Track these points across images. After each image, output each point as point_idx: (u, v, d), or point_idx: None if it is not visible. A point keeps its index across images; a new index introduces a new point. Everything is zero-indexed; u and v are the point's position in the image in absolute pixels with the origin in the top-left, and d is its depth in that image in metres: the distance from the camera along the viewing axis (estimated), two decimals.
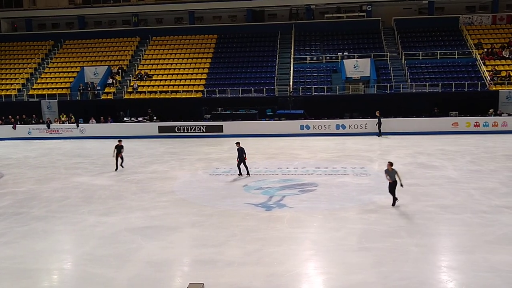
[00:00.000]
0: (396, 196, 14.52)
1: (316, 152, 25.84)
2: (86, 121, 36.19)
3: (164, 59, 42.19)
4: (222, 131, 33.73)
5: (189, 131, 34.22)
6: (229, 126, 33.92)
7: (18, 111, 37.40)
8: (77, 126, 35.46)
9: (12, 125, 35.73)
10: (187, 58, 41.81)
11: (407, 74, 36.95)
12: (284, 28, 43.59)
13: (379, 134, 31.82)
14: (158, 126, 34.66)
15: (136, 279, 9.94)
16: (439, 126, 31.97)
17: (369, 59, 37.82)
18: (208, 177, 20.07)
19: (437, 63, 37.93)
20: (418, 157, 23.17)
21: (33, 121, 36.86)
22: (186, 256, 11.30)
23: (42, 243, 12.31)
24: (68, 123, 35.75)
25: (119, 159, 21.74)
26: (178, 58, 41.99)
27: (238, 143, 19.66)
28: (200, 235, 12.55)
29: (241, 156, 19.44)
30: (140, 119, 35.81)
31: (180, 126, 34.43)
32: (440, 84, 35.20)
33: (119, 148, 21.60)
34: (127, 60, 42.60)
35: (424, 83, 35.74)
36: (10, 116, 36.83)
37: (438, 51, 38.49)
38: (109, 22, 48.22)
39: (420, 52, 38.63)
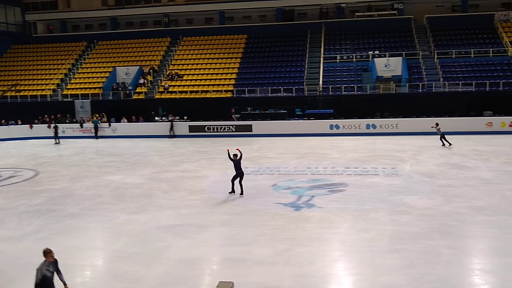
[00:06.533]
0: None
1: (346, 152, 25.62)
2: (118, 120, 36.80)
3: (194, 59, 42.53)
4: (251, 131, 33.79)
5: (219, 130, 34.41)
6: (258, 125, 33.96)
7: (53, 111, 38.32)
8: (109, 125, 36.10)
9: (47, 125, 36.61)
10: (217, 58, 42.04)
11: (439, 73, 36.24)
12: (314, 27, 43.36)
13: (171, 135, 33.73)
14: (189, 126, 34.97)
15: (166, 276, 10.06)
16: (472, 126, 31.23)
17: (401, 57, 37.27)
18: None
19: (471, 62, 37.07)
20: (451, 158, 22.72)
21: (67, 121, 37.71)
22: (215, 254, 11.38)
23: (76, 239, 12.58)
24: (101, 122, 36.41)
25: None
26: (208, 58, 42.26)
27: (235, 156, 16.38)
28: (229, 234, 12.61)
29: (239, 169, 16.32)
30: (170, 118, 36.18)
31: (210, 125, 34.66)
32: (473, 83, 34.41)
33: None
34: (158, 60, 43.13)
35: (457, 82, 34.97)
36: (46, 116, 37.76)
37: (472, 50, 37.60)
38: (141, 22, 48.88)
39: (453, 51, 37.81)
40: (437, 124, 26.95)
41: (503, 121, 31.04)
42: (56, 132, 34.11)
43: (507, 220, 12.95)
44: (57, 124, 35.03)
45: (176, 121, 35.22)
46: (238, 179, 16.41)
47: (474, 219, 13.14)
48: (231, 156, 16.41)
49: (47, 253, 8.20)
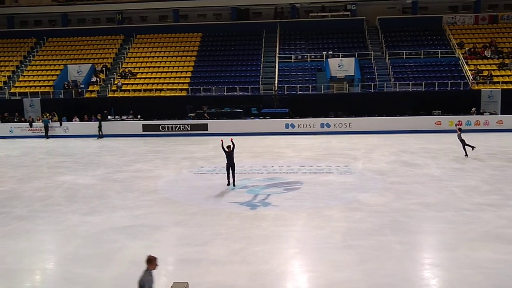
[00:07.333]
0: None
1: (301, 150, 25.90)
2: (70, 119, 35.81)
3: (148, 57, 41.91)
4: (207, 130, 33.62)
5: (174, 129, 34.04)
6: (214, 124, 33.83)
7: None
8: (61, 124, 35.08)
9: None
10: (172, 56, 41.59)
11: (391, 73, 37.21)
12: (269, 26, 43.59)
13: (100, 136, 33.29)
14: (142, 125, 34.41)
15: (120, 278, 9.87)
16: (422, 125, 32.23)
17: (354, 58, 38.00)
18: (192, 176, 20.00)
19: (421, 63, 38.24)
20: (402, 156, 23.36)
21: (15, 120, 36.38)
22: (170, 255, 11.25)
23: (24, 243, 12.16)
24: (51, 121, 35.33)
25: None
26: (162, 56, 41.74)
27: (229, 147, 17.19)
28: (184, 234, 12.50)
29: (231, 160, 17.07)
30: (124, 117, 35.57)
31: (164, 124, 34.22)
32: (423, 83, 35.53)
33: None
34: (111, 58, 42.24)
35: (408, 82, 36.02)
36: None
37: (422, 51, 38.82)
38: (93, 20, 47.73)
39: (404, 52, 38.92)
40: (459, 129, 22.94)
41: (451, 120, 32.12)
42: None
43: (455, 215, 13.43)
44: None
45: (104, 121, 34.47)
46: (231, 170, 17.06)
47: (424, 215, 13.56)
48: (225, 148, 16.98)
49: (152, 260, 7.14)
